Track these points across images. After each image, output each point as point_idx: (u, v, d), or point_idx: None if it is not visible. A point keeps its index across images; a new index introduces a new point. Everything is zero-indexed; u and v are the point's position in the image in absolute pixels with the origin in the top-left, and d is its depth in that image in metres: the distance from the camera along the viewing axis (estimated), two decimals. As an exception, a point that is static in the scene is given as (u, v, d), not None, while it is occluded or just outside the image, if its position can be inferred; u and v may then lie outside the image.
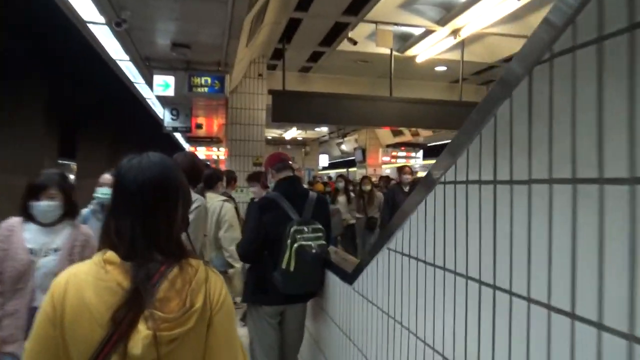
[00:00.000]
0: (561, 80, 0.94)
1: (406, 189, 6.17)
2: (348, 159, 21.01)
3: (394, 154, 16.29)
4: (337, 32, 6.93)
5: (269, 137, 18.29)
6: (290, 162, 3.06)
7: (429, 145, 16.62)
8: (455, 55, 7.77)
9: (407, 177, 6.22)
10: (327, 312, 2.78)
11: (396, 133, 15.44)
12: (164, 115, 8.88)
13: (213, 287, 1.18)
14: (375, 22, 6.61)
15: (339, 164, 24.50)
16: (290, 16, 6.34)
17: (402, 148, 16.24)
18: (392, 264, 1.80)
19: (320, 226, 2.72)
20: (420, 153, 16.36)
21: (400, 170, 6.50)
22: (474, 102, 8.49)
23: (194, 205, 2.51)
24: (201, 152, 16.50)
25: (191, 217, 2.43)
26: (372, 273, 2.02)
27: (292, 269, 2.59)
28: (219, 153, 15.58)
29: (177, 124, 8.88)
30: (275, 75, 8.48)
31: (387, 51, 7.49)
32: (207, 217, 2.87)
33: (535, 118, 1.01)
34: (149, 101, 9.11)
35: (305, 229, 2.66)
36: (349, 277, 2.34)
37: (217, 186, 4.07)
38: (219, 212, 3.73)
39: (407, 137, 15.19)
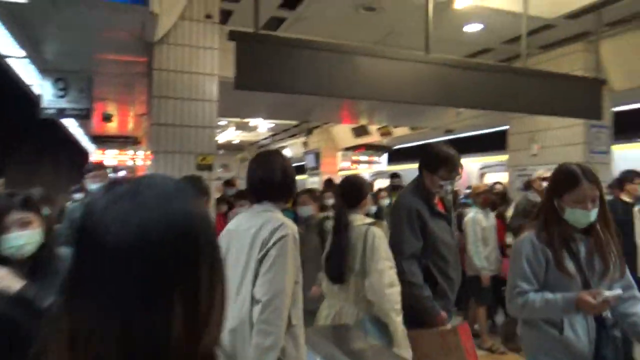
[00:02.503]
0: None
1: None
2: (294, 165, 18.06)
3: (355, 158, 13.62)
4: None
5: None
6: None
7: (395, 147, 14.12)
8: (509, 4, 5.15)
9: None
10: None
11: (360, 133, 12.77)
12: (42, 88, 5.41)
13: None
14: None
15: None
16: None
17: (360, 150, 13.60)
18: None
19: None
20: (385, 157, 13.83)
21: None
22: (547, 72, 5.83)
23: (277, 235, 1.82)
24: (111, 156, 12.73)
25: (272, 253, 1.81)
26: None
27: None
28: (135, 157, 11.91)
29: (64, 103, 5.45)
30: (233, 23, 5.35)
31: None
32: (297, 254, 1.89)
33: None
34: (14, 66, 5.59)
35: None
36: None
37: (363, 202, 2.74)
38: (362, 241, 2.51)
39: (373, 137, 12.57)
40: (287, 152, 17.07)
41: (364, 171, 14.66)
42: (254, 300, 1.84)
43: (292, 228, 1.89)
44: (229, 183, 7.49)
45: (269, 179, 1.99)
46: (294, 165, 2.30)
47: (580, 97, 5.15)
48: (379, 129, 11.98)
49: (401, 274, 2.49)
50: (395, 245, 2.58)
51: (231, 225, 2.08)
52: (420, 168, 2.67)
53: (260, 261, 1.85)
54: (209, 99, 4.71)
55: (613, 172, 6.48)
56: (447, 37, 5.91)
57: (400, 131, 11.47)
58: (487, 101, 4.75)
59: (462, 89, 4.64)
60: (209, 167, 4.74)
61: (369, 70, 4.27)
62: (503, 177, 8.57)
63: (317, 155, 14.07)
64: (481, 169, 11.02)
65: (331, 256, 2.65)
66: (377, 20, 5.54)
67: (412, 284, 2.51)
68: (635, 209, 4.01)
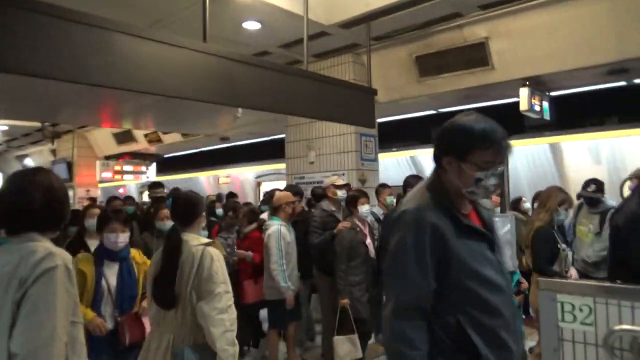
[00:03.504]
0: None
1: None
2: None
3: (117, 167, 12.00)
4: None
5: None
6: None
7: (166, 156, 12.97)
8: (288, 3, 4.92)
9: None
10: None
11: (123, 139, 11.29)
12: None
13: None
14: None
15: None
16: None
17: (125, 158, 12.12)
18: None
19: None
20: (153, 167, 12.60)
21: None
22: (329, 77, 5.70)
23: (40, 268, 1.52)
24: None
25: (32, 292, 1.49)
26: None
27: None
28: None
29: None
30: None
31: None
32: (72, 287, 1.60)
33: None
34: None
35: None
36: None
37: (198, 221, 2.51)
38: (198, 262, 2.31)
39: (140, 144, 11.25)
40: (29, 162, 14.20)
41: (130, 182, 13.13)
42: (10, 356, 1.49)
43: (63, 258, 1.58)
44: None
45: (26, 205, 1.63)
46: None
47: (357, 105, 5.24)
48: (146, 135, 10.77)
49: (390, 337, 1.45)
50: (389, 287, 1.53)
51: None
52: (437, 157, 1.54)
53: (18, 304, 1.51)
54: None
55: (379, 178, 6.98)
56: (225, 35, 5.40)
57: (171, 138, 10.50)
58: (269, 102, 4.35)
59: (243, 86, 4.14)
60: None
61: (134, 54, 3.40)
62: (279, 185, 8.48)
63: (70, 165, 11.93)
64: (257, 177, 10.90)
65: (161, 279, 2.33)
66: (141, 3, 4.64)
67: (400, 355, 1.42)
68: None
